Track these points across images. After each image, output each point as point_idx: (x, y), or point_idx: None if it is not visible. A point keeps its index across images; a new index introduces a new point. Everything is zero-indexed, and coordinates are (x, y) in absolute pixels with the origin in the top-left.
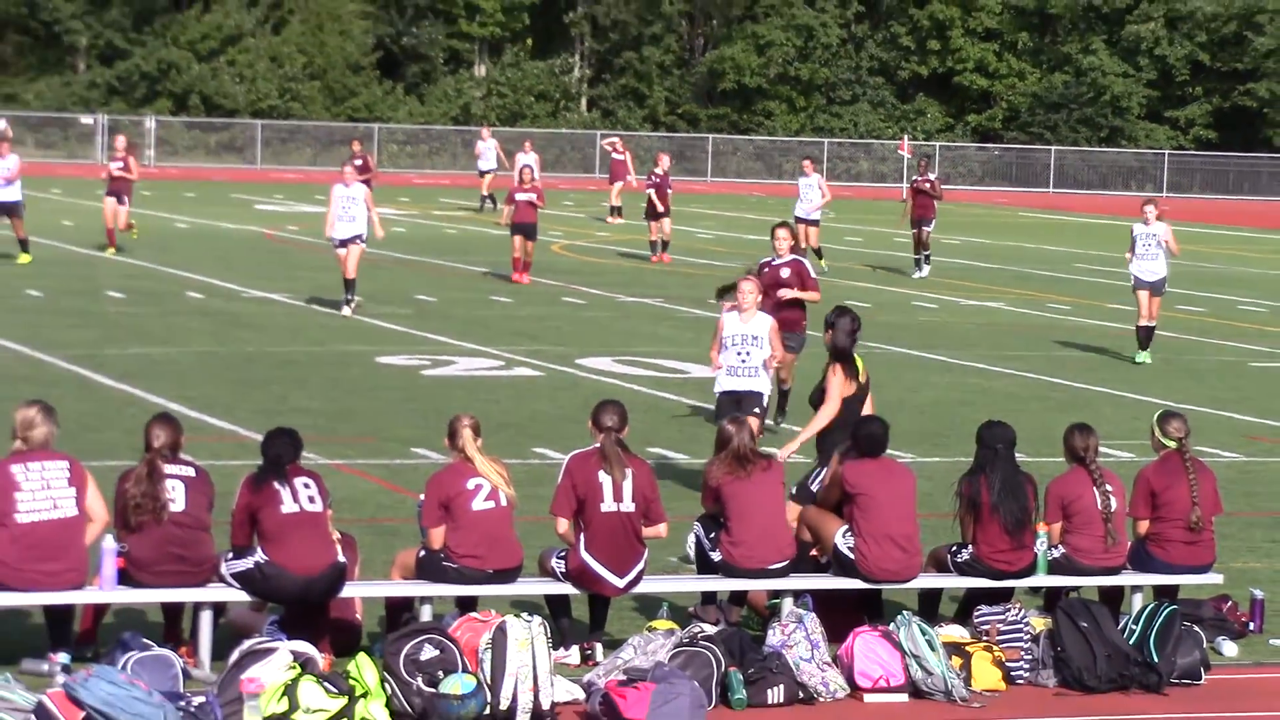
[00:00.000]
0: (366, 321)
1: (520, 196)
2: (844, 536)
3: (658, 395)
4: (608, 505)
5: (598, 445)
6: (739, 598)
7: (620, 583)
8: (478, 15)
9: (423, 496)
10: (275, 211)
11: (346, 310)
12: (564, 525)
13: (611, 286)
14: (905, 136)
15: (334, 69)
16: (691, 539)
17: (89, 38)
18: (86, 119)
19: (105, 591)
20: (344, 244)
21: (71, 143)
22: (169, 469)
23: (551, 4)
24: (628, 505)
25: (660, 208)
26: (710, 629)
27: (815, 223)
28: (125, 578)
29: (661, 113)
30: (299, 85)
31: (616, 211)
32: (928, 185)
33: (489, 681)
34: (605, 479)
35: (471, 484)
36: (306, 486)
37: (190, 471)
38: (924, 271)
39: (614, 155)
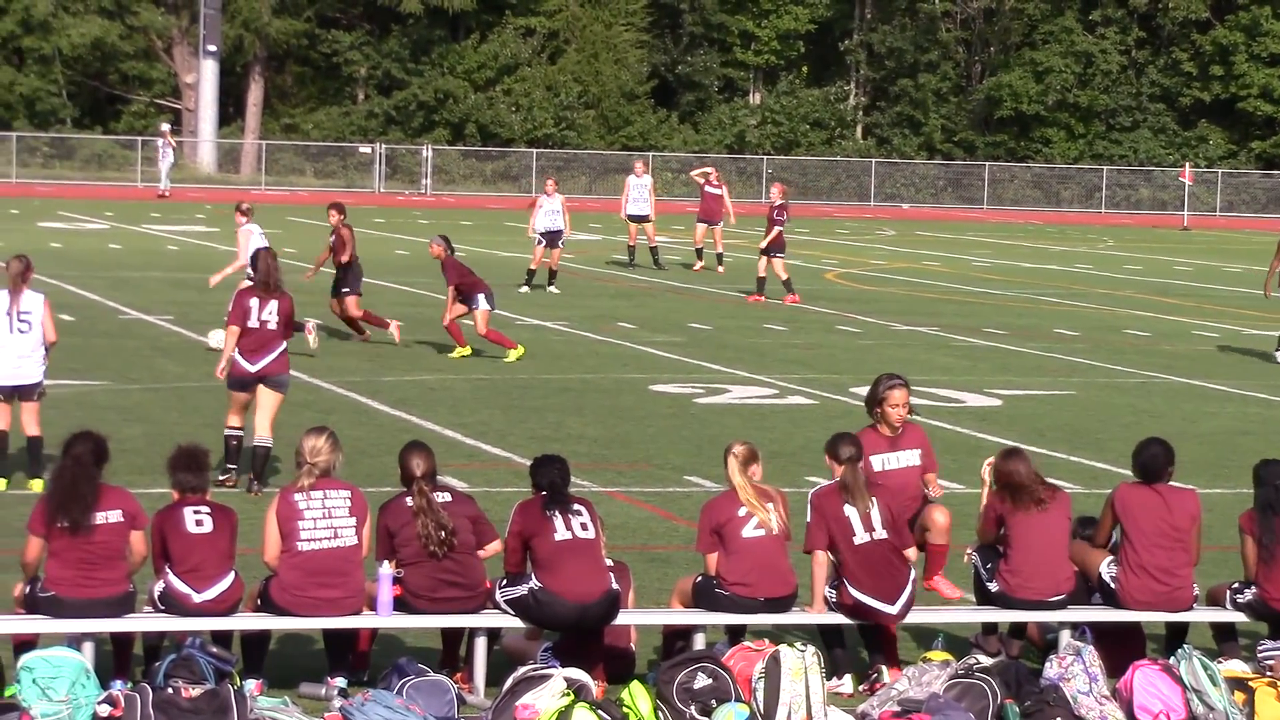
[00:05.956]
0: (640, 349)
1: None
2: (1108, 565)
3: (932, 424)
4: (860, 537)
5: (837, 479)
6: (1019, 630)
7: (894, 609)
8: (753, 43)
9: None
10: None
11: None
12: (821, 558)
13: (886, 314)
14: (1187, 164)
15: (609, 98)
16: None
17: (367, 68)
18: (365, 148)
19: (382, 617)
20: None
21: (350, 172)
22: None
23: (827, 31)
24: (880, 533)
25: (767, 244)
26: (987, 660)
27: (648, 219)
28: (402, 605)
29: (938, 140)
30: (574, 114)
31: (708, 258)
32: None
33: (762, 711)
34: (851, 511)
35: (743, 511)
36: (578, 514)
37: (447, 496)
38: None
39: (708, 188)
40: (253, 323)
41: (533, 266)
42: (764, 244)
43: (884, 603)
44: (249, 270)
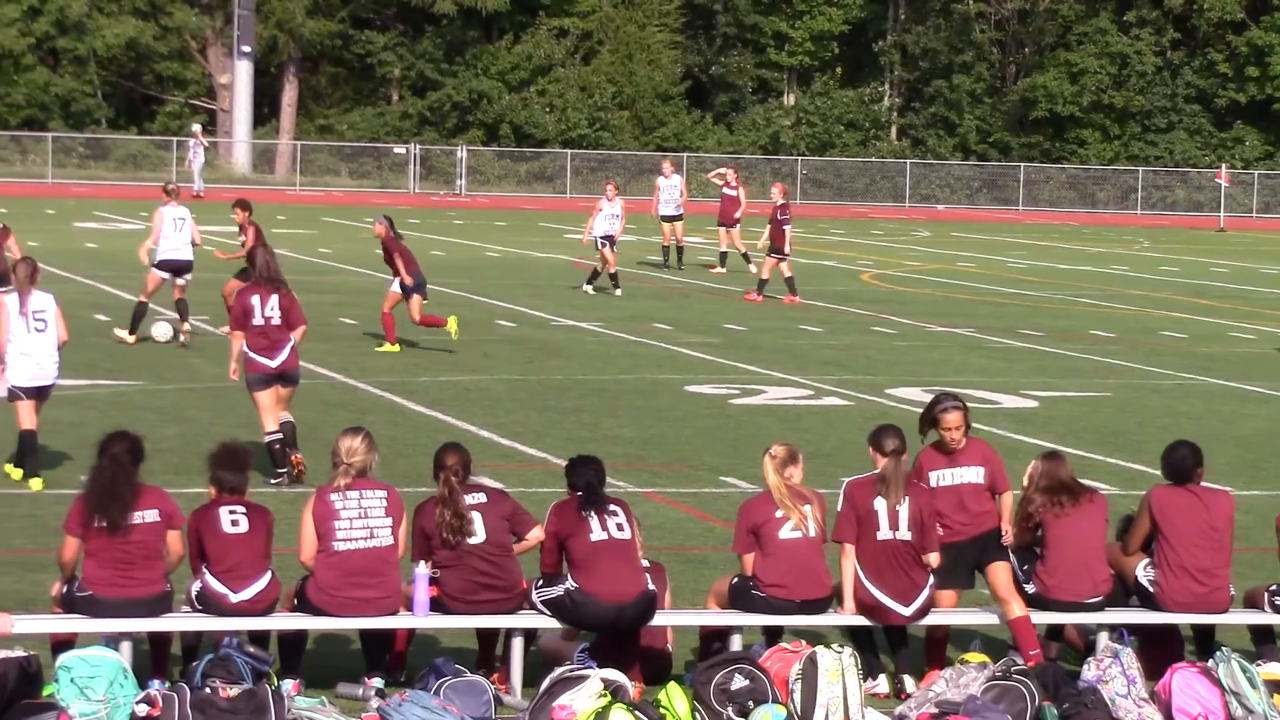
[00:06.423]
0: (676, 350)
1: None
2: (1145, 569)
3: None
4: (884, 534)
5: (877, 471)
6: (1055, 632)
7: (906, 611)
8: (787, 44)
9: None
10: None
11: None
12: (850, 552)
13: (922, 316)
14: (1223, 165)
15: (643, 99)
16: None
17: (401, 69)
18: (399, 149)
19: (418, 618)
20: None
21: (385, 173)
22: (465, 498)
23: (861, 32)
24: (904, 533)
25: (773, 244)
26: (1024, 662)
27: (680, 218)
28: (439, 606)
29: (972, 141)
30: (608, 115)
31: (726, 259)
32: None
33: (799, 713)
34: (881, 505)
35: (780, 513)
36: (614, 514)
37: (482, 497)
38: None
39: (725, 190)
40: (258, 320)
41: (612, 270)
42: (787, 248)
43: (897, 603)
44: (156, 251)
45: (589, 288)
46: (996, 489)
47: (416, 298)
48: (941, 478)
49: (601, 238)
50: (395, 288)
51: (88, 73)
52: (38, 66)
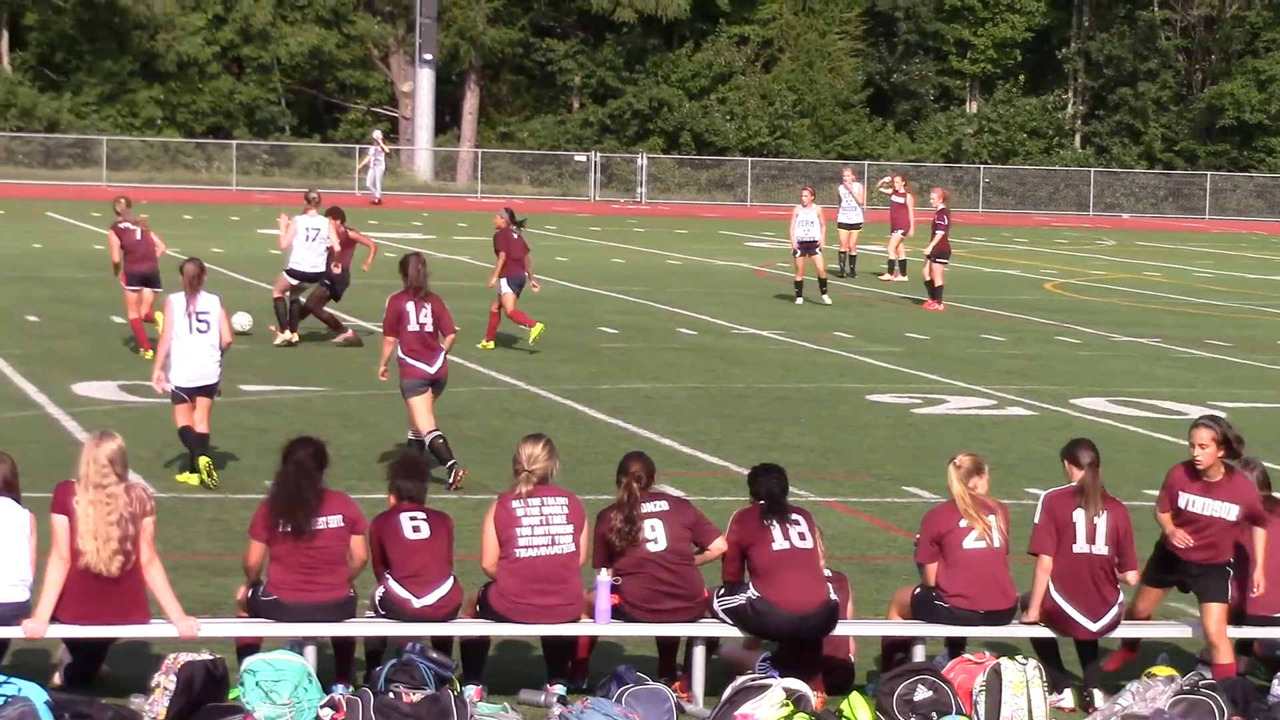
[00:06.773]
0: (857, 359)
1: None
2: None
3: (1154, 437)
4: (1080, 546)
5: (1075, 483)
6: (1245, 646)
7: (1094, 627)
8: (969, 52)
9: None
10: (766, 248)
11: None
12: (1046, 563)
13: (1106, 325)
14: None
15: (824, 106)
16: None
17: (582, 77)
18: (580, 157)
19: (600, 625)
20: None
21: (565, 180)
22: (645, 506)
23: (1044, 40)
24: (1100, 548)
25: (935, 250)
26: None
27: (859, 226)
28: (620, 613)
29: (1158, 150)
30: (789, 122)
31: (898, 267)
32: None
33: None
34: (1079, 517)
35: (964, 522)
36: (796, 523)
37: (664, 505)
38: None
39: (894, 198)
40: (413, 326)
41: (798, 279)
42: (928, 250)
43: (1085, 617)
44: (288, 255)
45: (824, 297)
46: (1251, 528)
47: (505, 294)
48: (1191, 503)
49: (801, 243)
50: (505, 288)
51: (271, 81)
52: (222, 75)
